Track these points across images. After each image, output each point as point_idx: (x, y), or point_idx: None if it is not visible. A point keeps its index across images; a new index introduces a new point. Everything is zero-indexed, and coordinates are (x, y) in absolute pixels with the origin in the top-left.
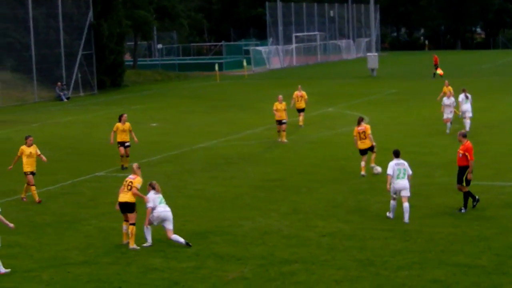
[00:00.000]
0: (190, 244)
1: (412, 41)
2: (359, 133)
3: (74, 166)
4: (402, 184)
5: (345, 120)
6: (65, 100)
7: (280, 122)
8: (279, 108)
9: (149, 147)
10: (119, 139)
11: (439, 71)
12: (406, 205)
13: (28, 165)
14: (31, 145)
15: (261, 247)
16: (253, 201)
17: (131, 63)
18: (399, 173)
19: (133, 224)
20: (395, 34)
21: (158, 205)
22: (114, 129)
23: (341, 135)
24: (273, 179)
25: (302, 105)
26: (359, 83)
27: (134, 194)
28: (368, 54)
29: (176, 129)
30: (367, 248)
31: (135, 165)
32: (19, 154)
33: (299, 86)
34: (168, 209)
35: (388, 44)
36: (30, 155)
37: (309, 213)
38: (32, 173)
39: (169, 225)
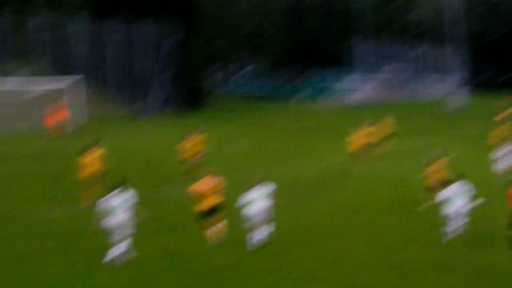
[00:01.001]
0: None
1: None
2: None
3: (147, 182)
4: None
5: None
6: (146, 119)
7: None
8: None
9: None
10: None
11: None
12: None
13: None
14: (96, 152)
15: None
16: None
17: (215, 85)
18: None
19: None
20: None
21: None
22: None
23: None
24: None
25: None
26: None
27: None
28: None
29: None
30: None
31: None
32: (84, 161)
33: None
34: None
35: None
36: (94, 160)
37: None
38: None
39: None
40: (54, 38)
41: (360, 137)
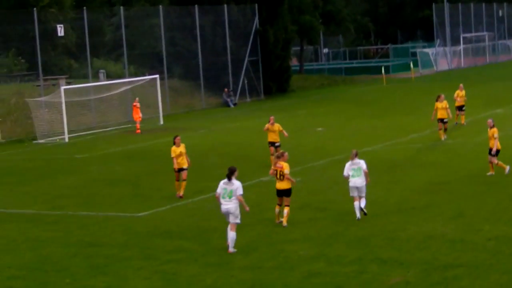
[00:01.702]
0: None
1: None
2: None
3: (239, 171)
4: None
5: None
6: (232, 106)
7: (442, 120)
8: (440, 107)
9: (315, 152)
10: (270, 139)
11: None
12: None
13: (177, 163)
14: (180, 144)
15: (424, 251)
16: (417, 205)
17: (298, 68)
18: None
19: (288, 205)
20: None
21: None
22: (264, 129)
23: (510, 137)
24: (438, 183)
25: (462, 103)
26: None
27: (288, 179)
28: None
29: (341, 133)
30: None
31: (279, 153)
32: (173, 155)
33: (461, 85)
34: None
35: None
36: (179, 154)
37: (475, 216)
38: (181, 169)
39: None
40: (139, 30)
41: (444, 104)
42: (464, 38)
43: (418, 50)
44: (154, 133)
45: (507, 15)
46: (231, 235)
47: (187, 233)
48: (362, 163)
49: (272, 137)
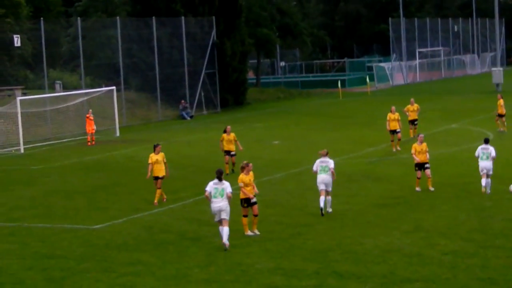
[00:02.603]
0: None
1: None
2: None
3: (196, 184)
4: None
5: (469, 136)
6: (189, 118)
7: (393, 132)
8: (392, 118)
9: (271, 165)
10: (225, 148)
11: None
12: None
13: (155, 171)
14: (159, 152)
15: (382, 265)
16: (374, 219)
17: (254, 80)
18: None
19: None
20: None
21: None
22: (221, 139)
23: (464, 151)
24: (395, 197)
25: (415, 117)
26: (484, 98)
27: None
28: (493, 69)
29: (298, 146)
30: (490, 267)
31: (243, 164)
32: (149, 161)
33: (412, 100)
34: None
35: None
36: (157, 162)
37: (431, 231)
38: (157, 178)
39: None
40: (96, 41)
41: (396, 116)
42: (419, 52)
43: (374, 64)
44: (111, 145)
45: (463, 30)
46: (226, 230)
47: (144, 246)
48: (330, 162)
49: (227, 146)
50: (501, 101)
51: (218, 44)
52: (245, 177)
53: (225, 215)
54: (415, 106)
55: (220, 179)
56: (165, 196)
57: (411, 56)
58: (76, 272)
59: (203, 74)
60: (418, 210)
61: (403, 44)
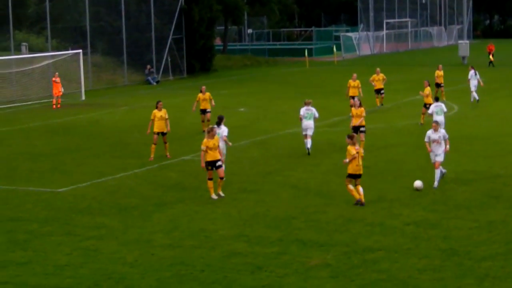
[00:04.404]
0: None
1: (505, 29)
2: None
3: (161, 149)
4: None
5: None
6: (154, 84)
7: (353, 98)
8: (352, 85)
9: (237, 132)
10: (201, 107)
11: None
12: None
13: (157, 126)
14: (161, 109)
15: (344, 234)
16: (338, 188)
17: (221, 47)
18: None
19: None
20: (488, 21)
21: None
22: (197, 99)
23: (429, 123)
24: None
25: (381, 86)
26: (450, 70)
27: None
28: (460, 41)
29: (264, 114)
30: (451, 238)
31: (209, 128)
32: (152, 117)
33: (378, 69)
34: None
35: (480, 31)
36: (161, 118)
37: (394, 201)
38: (160, 133)
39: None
40: (63, 4)
41: (356, 83)
42: (387, 23)
43: (341, 34)
44: (76, 108)
45: (430, 2)
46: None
47: (107, 210)
48: (314, 111)
49: (203, 105)
50: (378, 76)
51: (186, 10)
52: (209, 142)
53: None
54: (381, 75)
55: (219, 124)
56: (168, 152)
57: (378, 26)
58: (39, 235)
59: (170, 40)
60: (382, 181)
61: (371, 14)
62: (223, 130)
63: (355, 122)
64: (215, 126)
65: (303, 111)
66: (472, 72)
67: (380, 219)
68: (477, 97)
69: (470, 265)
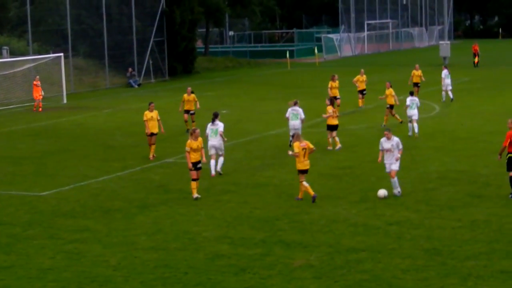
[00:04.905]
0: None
1: (486, 29)
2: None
3: (144, 152)
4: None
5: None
6: (136, 86)
7: (335, 98)
8: (334, 86)
9: None
10: (186, 107)
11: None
12: None
13: (150, 127)
14: (153, 110)
15: (328, 235)
16: (321, 189)
17: (203, 49)
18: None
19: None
20: (468, 22)
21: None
22: (182, 100)
23: (392, 124)
24: (343, 167)
25: (364, 87)
26: (431, 71)
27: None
28: (441, 42)
29: (247, 116)
30: (434, 238)
31: (191, 130)
32: (144, 118)
33: (362, 70)
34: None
35: (461, 32)
36: (151, 119)
37: (377, 201)
38: (152, 134)
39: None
40: (44, 7)
41: (336, 84)
42: (368, 24)
43: (322, 36)
44: (58, 112)
45: (411, 3)
46: (221, 160)
47: (90, 213)
48: (300, 111)
49: (188, 106)
50: (362, 77)
51: (167, 12)
52: (193, 143)
53: (219, 151)
54: (364, 77)
55: (214, 121)
56: (152, 155)
57: (359, 28)
58: (22, 238)
59: (151, 42)
60: (365, 181)
61: (352, 15)
62: (220, 126)
63: (332, 122)
64: (210, 123)
65: (289, 112)
66: (445, 71)
67: (364, 220)
68: (451, 96)
69: (454, 265)
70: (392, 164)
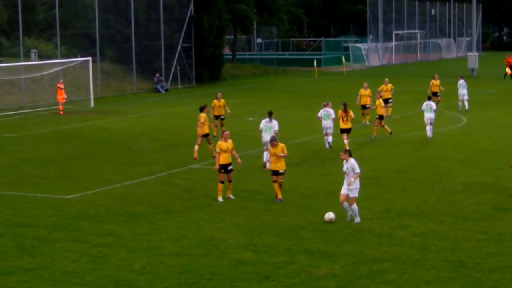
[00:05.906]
0: None
1: None
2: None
3: (170, 157)
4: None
5: (443, 119)
6: (163, 92)
7: (364, 107)
8: (364, 94)
9: (246, 141)
10: (216, 113)
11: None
12: None
13: (200, 129)
14: (204, 115)
15: (352, 245)
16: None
17: (230, 56)
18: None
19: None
20: (497, 34)
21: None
22: (212, 106)
23: (438, 134)
24: (368, 177)
25: (389, 96)
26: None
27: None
28: (469, 53)
29: None
30: (459, 250)
31: (222, 132)
32: (202, 120)
33: (386, 79)
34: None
35: (489, 44)
36: (205, 121)
37: (402, 212)
38: (205, 135)
39: None
40: (72, 11)
41: (367, 92)
42: (396, 34)
43: (350, 45)
44: (85, 115)
45: (439, 14)
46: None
47: (115, 217)
48: (331, 112)
49: (217, 111)
50: (386, 86)
51: (195, 18)
52: (223, 144)
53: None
54: (389, 86)
55: (270, 119)
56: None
57: (387, 37)
58: (47, 241)
59: (179, 48)
60: (390, 192)
61: (380, 25)
62: (274, 124)
63: (344, 126)
64: (267, 119)
65: (321, 112)
66: (461, 81)
67: (388, 230)
68: (467, 107)
69: (479, 277)
70: (350, 191)
